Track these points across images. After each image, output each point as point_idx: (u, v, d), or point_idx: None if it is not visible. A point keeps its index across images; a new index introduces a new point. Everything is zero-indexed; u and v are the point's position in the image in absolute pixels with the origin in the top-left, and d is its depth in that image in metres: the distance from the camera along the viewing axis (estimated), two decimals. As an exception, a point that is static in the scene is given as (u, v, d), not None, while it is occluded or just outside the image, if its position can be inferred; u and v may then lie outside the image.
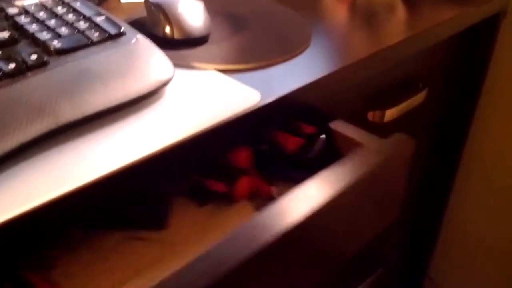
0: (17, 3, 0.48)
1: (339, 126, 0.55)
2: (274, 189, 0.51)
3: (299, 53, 0.57)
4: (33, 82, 0.40)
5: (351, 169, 0.47)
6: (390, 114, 0.73)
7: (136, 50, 0.46)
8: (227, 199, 0.51)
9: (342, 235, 0.48)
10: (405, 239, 1.10)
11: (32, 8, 0.47)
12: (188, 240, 0.47)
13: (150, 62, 0.46)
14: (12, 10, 0.47)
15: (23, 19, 0.46)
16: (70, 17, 0.47)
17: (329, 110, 0.57)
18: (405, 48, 0.65)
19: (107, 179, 0.38)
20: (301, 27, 0.63)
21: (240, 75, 0.52)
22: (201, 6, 0.58)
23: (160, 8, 0.56)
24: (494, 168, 1.02)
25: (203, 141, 0.43)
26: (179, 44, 0.56)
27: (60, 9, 0.48)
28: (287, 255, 0.42)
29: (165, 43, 0.53)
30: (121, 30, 0.47)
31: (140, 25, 0.56)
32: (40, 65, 0.42)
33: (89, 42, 0.45)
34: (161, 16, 0.55)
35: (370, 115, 0.72)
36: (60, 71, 0.42)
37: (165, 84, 0.46)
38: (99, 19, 0.48)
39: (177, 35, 0.55)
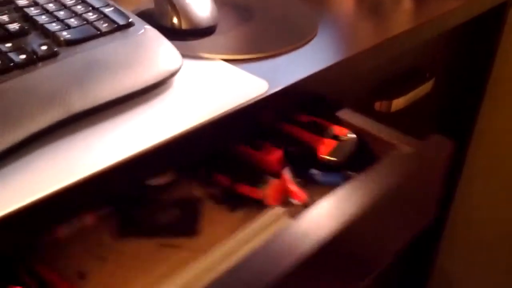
0: (27, -6, 0.48)
1: (370, 126, 0.53)
2: (306, 194, 0.49)
3: (306, 43, 0.57)
4: (44, 73, 0.41)
5: (388, 174, 0.45)
6: (397, 104, 0.73)
7: (144, 41, 0.47)
8: (259, 204, 0.49)
9: (379, 240, 0.47)
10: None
11: (42, -1, 0.48)
12: (222, 248, 0.45)
13: (158, 52, 0.47)
14: (21, 2, 0.47)
15: (32, 11, 0.46)
16: (79, 8, 0.48)
17: (336, 99, 0.57)
18: (411, 38, 0.65)
19: (117, 168, 0.38)
20: (308, 17, 0.63)
21: (248, 65, 0.52)
22: (208, -3, 0.58)
23: (167, -1, 0.56)
24: (500, 159, 1.02)
25: (212, 130, 0.44)
26: (186, 34, 0.56)
27: (69, 1, 0.48)
28: (325, 264, 0.40)
29: (173, 34, 0.54)
30: (130, 20, 0.47)
31: (147, 16, 0.56)
32: (50, 55, 0.42)
33: (98, 33, 0.45)
34: (169, 7, 0.56)
35: (377, 105, 0.72)
36: (70, 61, 0.42)
37: (173, 74, 0.47)
38: (108, 10, 0.48)
39: (184, 26, 0.56)
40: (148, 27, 0.48)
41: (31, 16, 0.45)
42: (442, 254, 1.21)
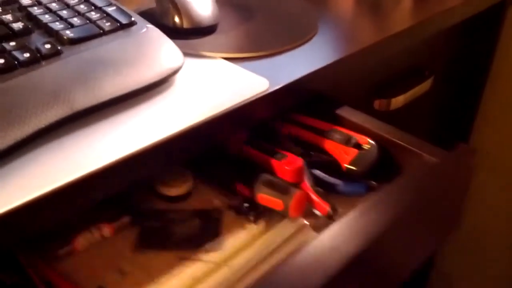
0: (30, -6, 0.49)
1: (392, 133, 0.52)
2: (329, 205, 0.47)
3: (306, 41, 0.58)
4: (48, 71, 0.41)
5: (413, 185, 0.44)
6: (396, 102, 0.73)
7: (146, 39, 0.47)
8: (281, 215, 0.48)
9: (405, 251, 0.46)
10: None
11: (45, -1, 0.49)
12: (244, 260, 0.45)
13: (160, 51, 0.47)
14: (25, 1, 0.48)
15: (36, 10, 0.47)
16: (82, 7, 0.48)
17: (336, 98, 0.58)
18: (411, 36, 0.66)
19: (121, 164, 0.39)
20: (308, 16, 0.64)
21: (249, 63, 0.53)
22: (209, -4, 0.59)
23: (169, -2, 0.57)
24: (499, 157, 1.03)
25: (214, 127, 0.44)
26: (188, 33, 0.57)
27: (72, 0, 0.49)
28: (351, 278, 0.39)
29: (174, 33, 0.54)
30: (132, 19, 0.48)
31: (149, 16, 0.57)
32: (54, 54, 0.43)
33: (101, 32, 0.46)
34: (170, 6, 0.56)
35: (376, 104, 0.72)
36: (74, 59, 0.43)
37: (175, 72, 0.47)
38: (110, 9, 0.49)
39: (186, 25, 0.56)
40: (150, 26, 0.49)
41: (35, 15, 0.46)
42: (441, 256, 1.21)
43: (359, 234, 0.39)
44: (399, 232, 0.43)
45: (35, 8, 0.47)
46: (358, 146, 0.51)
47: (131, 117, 0.43)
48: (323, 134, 0.52)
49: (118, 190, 0.40)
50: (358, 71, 0.61)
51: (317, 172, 0.52)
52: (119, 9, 0.49)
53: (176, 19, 0.56)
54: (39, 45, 0.43)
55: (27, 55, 0.42)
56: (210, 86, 0.48)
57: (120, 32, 0.47)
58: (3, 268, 0.40)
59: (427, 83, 0.79)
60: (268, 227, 0.48)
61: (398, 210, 0.41)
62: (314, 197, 0.48)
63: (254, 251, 0.46)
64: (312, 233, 0.47)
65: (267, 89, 0.48)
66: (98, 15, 0.48)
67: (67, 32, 0.45)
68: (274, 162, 0.49)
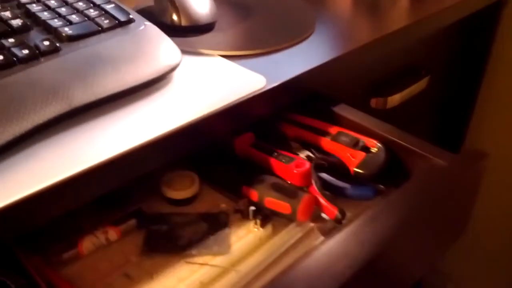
0: (29, -9, 0.49)
1: (401, 137, 0.51)
2: (337, 209, 0.46)
3: (304, 40, 0.58)
4: (47, 67, 0.42)
5: (422, 190, 0.43)
6: (393, 100, 0.74)
7: (144, 36, 0.48)
8: (288, 219, 0.48)
9: (414, 255, 0.45)
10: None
11: (43, -4, 0.49)
12: (251, 265, 0.44)
13: (158, 48, 0.48)
14: (24, -1, 0.48)
15: (35, 7, 0.47)
16: (80, 5, 0.48)
17: (333, 96, 0.58)
18: (407, 35, 0.66)
19: (119, 160, 0.39)
20: (306, 14, 0.64)
21: (246, 61, 0.53)
22: (207, -6, 0.59)
23: (167, -4, 0.57)
24: (496, 157, 1.03)
25: (212, 124, 0.45)
26: (186, 31, 0.57)
27: (70, -3, 0.49)
28: (361, 283, 0.38)
29: (172, 30, 0.55)
30: (130, 17, 0.48)
31: (147, 13, 0.57)
32: (53, 51, 0.43)
33: (99, 29, 0.46)
34: (168, 4, 0.56)
35: (373, 102, 0.73)
36: (72, 56, 0.43)
37: (173, 69, 0.47)
38: (109, 7, 0.49)
39: (184, 22, 0.57)
40: (148, 23, 0.49)
41: (34, 13, 0.46)
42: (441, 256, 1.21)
43: (369, 239, 0.38)
44: (408, 237, 0.42)
45: (34, 5, 0.47)
46: (365, 149, 0.50)
47: (129, 113, 0.43)
48: (330, 136, 0.52)
49: (117, 186, 0.40)
50: (355, 70, 0.61)
51: (325, 176, 0.51)
52: (117, 7, 0.49)
53: (174, 17, 0.57)
54: (37, 42, 0.43)
55: (25, 51, 0.42)
56: (207, 83, 0.48)
57: (119, 30, 0.47)
58: (11, 273, 0.40)
59: (423, 82, 0.79)
60: (275, 231, 0.47)
61: (407, 215, 0.41)
62: (322, 200, 0.47)
63: (261, 256, 0.45)
64: (320, 237, 0.46)
65: (264, 87, 0.49)
66: (96, 12, 0.48)
67: (66, 29, 0.45)
68: (282, 165, 0.49)
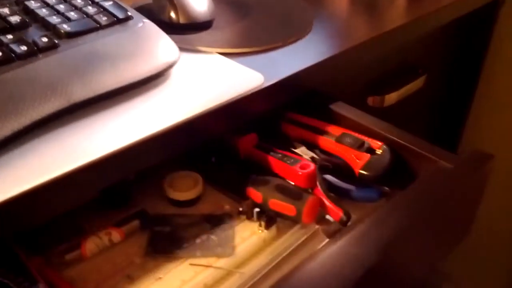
0: (27, -12, 0.49)
1: (406, 138, 0.50)
2: (342, 211, 0.46)
3: (301, 38, 0.59)
4: (45, 64, 0.42)
5: (428, 191, 0.43)
6: (390, 99, 0.74)
7: (143, 34, 0.48)
8: (293, 221, 0.47)
9: (418, 257, 0.45)
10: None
11: (42, -7, 0.49)
12: (255, 267, 0.44)
13: (156, 45, 0.48)
14: (22, -5, 0.48)
15: (33, 4, 0.47)
16: (79, 2, 0.49)
17: (330, 93, 0.58)
18: (404, 33, 0.67)
19: (117, 155, 0.39)
20: (303, 13, 0.65)
21: (244, 58, 0.53)
22: (205, -8, 0.59)
23: (165, -7, 0.57)
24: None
25: (209, 121, 0.45)
26: (184, 28, 0.57)
27: (68, -6, 0.49)
28: (367, 285, 0.37)
29: (170, 28, 0.55)
30: (128, 14, 0.48)
31: (146, 11, 0.57)
32: (51, 47, 0.43)
33: (98, 26, 0.46)
34: (167, 1, 0.57)
35: (370, 100, 0.73)
36: (71, 53, 0.43)
37: (171, 66, 0.48)
38: (107, 4, 0.49)
39: (182, 20, 0.57)
40: (146, 21, 0.49)
41: (32, 9, 0.46)
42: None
43: (374, 241, 0.37)
44: (413, 239, 0.42)
45: (32, 2, 0.47)
46: (370, 150, 0.50)
47: (127, 110, 0.43)
48: (334, 138, 0.52)
49: (115, 182, 0.40)
50: (353, 68, 0.61)
51: (329, 177, 0.51)
52: (115, 4, 0.49)
53: (172, 15, 0.57)
54: (36, 39, 0.43)
55: (24, 48, 0.42)
56: (205, 80, 0.48)
57: (117, 27, 0.47)
58: (13, 274, 0.40)
59: (420, 81, 0.80)
60: (280, 233, 0.47)
61: (412, 217, 0.40)
62: (327, 202, 0.47)
63: (266, 258, 0.45)
64: (325, 239, 0.46)
65: (262, 84, 0.49)
66: (95, 9, 0.48)
67: (64, 26, 0.45)
68: (286, 167, 0.49)
